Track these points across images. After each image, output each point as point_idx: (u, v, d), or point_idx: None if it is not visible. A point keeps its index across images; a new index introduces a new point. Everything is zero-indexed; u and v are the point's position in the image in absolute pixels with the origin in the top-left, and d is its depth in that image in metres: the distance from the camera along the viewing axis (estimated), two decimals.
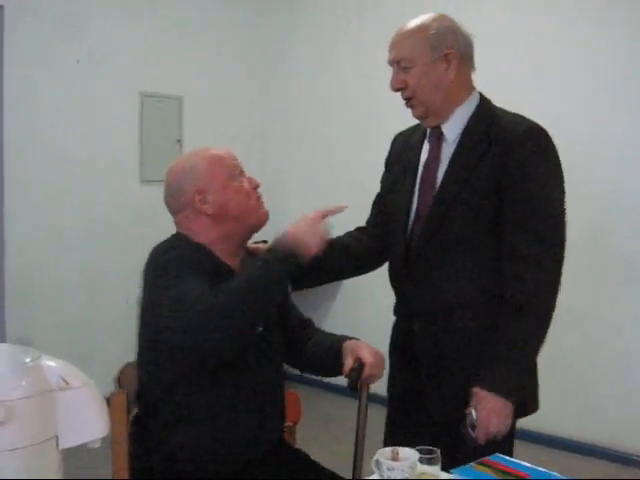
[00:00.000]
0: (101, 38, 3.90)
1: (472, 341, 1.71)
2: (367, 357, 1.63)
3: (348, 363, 1.63)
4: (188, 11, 4.30)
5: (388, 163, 1.97)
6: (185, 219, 1.66)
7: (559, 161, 1.68)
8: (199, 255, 1.60)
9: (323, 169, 4.51)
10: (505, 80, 3.52)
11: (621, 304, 3.39)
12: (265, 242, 2.47)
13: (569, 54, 3.46)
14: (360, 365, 1.62)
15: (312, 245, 1.54)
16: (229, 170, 1.65)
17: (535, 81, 3.55)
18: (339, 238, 1.97)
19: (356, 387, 1.62)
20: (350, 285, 4.13)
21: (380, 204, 1.97)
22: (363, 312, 4.26)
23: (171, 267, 1.52)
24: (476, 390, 1.62)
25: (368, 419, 1.74)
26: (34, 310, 3.71)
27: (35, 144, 3.71)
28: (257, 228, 1.71)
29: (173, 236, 1.67)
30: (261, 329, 1.64)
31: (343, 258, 1.92)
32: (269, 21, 4.67)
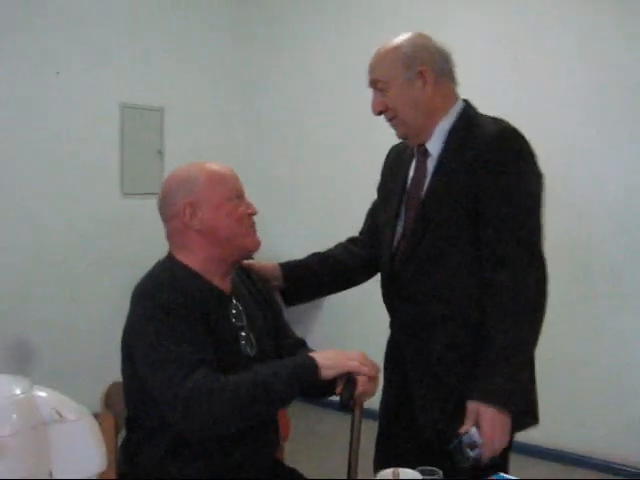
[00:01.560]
0: (79, 50, 3.84)
1: (459, 353, 1.70)
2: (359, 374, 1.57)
3: (339, 381, 1.56)
4: (170, 20, 4.25)
5: (382, 175, 1.98)
6: (174, 231, 1.61)
7: (535, 161, 1.68)
8: (188, 280, 1.56)
9: (310, 182, 4.46)
10: (490, 79, 3.54)
11: (611, 313, 3.38)
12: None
13: (559, 55, 3.48)
14: (352, 381, 1.55)
15: (329, 372, 1.50)
16: (227, 190, 1.60)
17: (519, 85, 3.56)
18: (330, 250, 1.99)
19: (348, 405, 1.55)
20: (335, 298, 4.10)
21: (374, 214, 1.98)
22: (349, 327, 4.21)
23: (159, 320, 1.47)
24: (472, 405, 1.58)
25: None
26: (14, 328, 3.63)
27: (11, 155, 3.64)
28: (245, 255, 1.67)
29: (162, 261, 1.63)
30: (255, 352, 1.62)
31: (336, 271, 1.93)
32: (254, 31, 4.62)
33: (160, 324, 1.47)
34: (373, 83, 1.74)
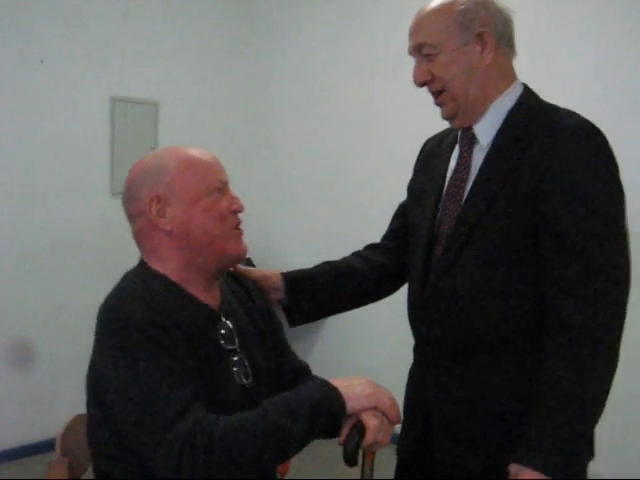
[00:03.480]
0: (66, 36, 3.53)
1: (501, 393, 1.39)
2: (369, 419, 1.22)
3: (345, 428, 1.23)
4: (167, 7, 3.94)
5: (415, 170, 1.66)
6: (140, 233, 1.32)
7: (616, 168, 1.35)
8: (165, 293, 1.26)
9: (316, 178, 4.12)
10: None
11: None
12: (249, 260, 2.15)
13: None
14: (360, 430, 1.22)
15: (356, 404, 1.20)
16: (206, 181, 1.29)
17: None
18: (345, 259, 1.67)
19: (354, 460, 1.22)
20: (338, 316, 3.81)
21: (403, 216, 1.66)
22: (355, 347, 3.86)
23: (134, 347, 1.17)
24: (514, 468, 1.27)
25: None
26: None
27: None
28: (228, 264, 1.36)
29: (132, 271, 1.33)
30: (250, 381, 1.31)
31: (352, 283, 1.62)
32: (256, 21, 4.33)
33: (135, 352, 1.16)
34: (417, 48, 1.42)
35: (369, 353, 3.62)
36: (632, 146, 2.90)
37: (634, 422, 3.02)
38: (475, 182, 1.41)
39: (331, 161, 4.02)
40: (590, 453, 1.39)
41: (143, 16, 3.84)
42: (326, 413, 1.17)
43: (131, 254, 1.39)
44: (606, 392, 1.28)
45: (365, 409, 1.20)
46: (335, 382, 1.21)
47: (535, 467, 1.24)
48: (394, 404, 1.25)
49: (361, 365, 3.67)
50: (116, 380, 1.17)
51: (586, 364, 1.26)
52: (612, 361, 1.29)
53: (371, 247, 1.71)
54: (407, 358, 1.63)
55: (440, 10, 1.40)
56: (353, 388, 1.20)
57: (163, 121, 3.94)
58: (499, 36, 1.39)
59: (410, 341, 1.59)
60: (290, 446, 1.16)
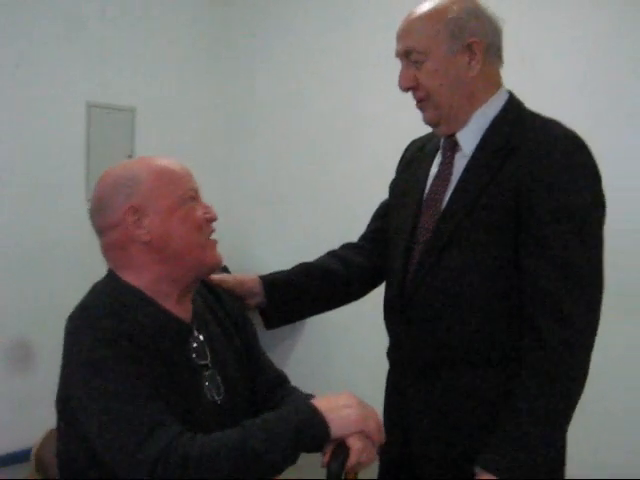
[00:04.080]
0: (42, 40, 3.48)
1: (477, 405, 1.38)
2: (354, 443, 1.17)
3: (328, 448, 1.18)
4: (141, 12, 3.91)
5: (398, 171, 1.66)
6: (113, 246, 1.29)
7: (598, 179, 1.35)
8: (137, 306, 1.24)
9: (299, 188, 4.08)
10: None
11: (620, 336, 3.10)
12: (225, 269, 2.12)
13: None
14: (343, 450, 1.17)
15: (341, 431, 1.15)
16: (179, 191, 1.28)
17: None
18: (321, 260, 1.66)
19: None
20: (317, 318, 3.78)
21: (382, 217, 1.66)
22: (335, 349, 3.85)
23: (105, 360, 1.14)
24: (477, 473, 1.27)
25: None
26: None
27: None
28: (203, 273, 1.34)
29: (101, 283, 1.31)
30: (222, 397, 1.28)
31: (328, 285, 1.60)
32: (235, 26, 4.29)
33: (106, 365, 1.14)
34: (405, 53, 1.40)
35: (350, 356, 3.60)
36: (621, 153, 2.95)
37: (608, 425, 3.07)
38: (455, 189, 1.40)
39: (317, 165, 3.99)
40: (558, 459, 1.39)
41: (120, 21, 3.80)
42: (309, 440, 1.13)
43: (103, 261, 1.36)
44: (575, 398, 1.29)
45: (351, 434, 1.17)
46: (320, 404, 1.16)
47: (489, 468, 1.25)
48: (380, 427, 1.21)
49: (342, 369, 3.66)
50: (86, 394, 1.15)
51: (556, 376, 1.26)
52: (582, 372, 1.29)
53: (347, 247, 1.69)
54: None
55: (431, 16, 1.38)
56: (339, 412, 1.16)
57: (140, 128, 3.90)
58: (488, 46, 1.39)
59: None
60: (269, 472, 1.13)
